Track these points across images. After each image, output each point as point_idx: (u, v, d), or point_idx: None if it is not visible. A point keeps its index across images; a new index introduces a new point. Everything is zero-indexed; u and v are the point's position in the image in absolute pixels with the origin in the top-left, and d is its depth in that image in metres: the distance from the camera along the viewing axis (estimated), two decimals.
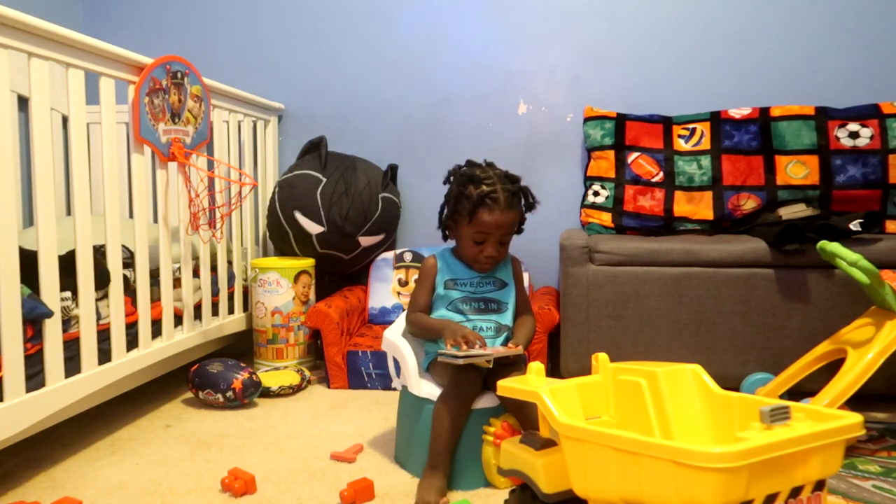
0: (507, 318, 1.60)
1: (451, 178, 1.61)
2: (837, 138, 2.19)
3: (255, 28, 2.73)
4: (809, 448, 0.85)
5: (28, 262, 1.39)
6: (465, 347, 1.41)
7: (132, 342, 1.76)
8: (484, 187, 1.52)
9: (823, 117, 2.22)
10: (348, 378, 2.19)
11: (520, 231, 1.63)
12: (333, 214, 2.35)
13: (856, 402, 1.51)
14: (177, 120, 1.87)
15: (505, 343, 1.58)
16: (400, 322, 1.73)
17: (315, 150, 2.52)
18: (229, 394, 1.94)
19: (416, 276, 2.50)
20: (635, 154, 2.35)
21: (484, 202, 1.50)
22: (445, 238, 1.65)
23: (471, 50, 2.60)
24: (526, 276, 2.39)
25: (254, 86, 2.56)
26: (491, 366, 1.47)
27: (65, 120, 2.34)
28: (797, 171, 2.21)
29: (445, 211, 1.61)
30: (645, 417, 1.04)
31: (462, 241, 1.58)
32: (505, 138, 2.59)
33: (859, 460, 1.55)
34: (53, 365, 1.46)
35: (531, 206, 1.61)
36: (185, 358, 2.07)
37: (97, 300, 1.62)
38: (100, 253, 1.65)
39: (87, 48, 1.54)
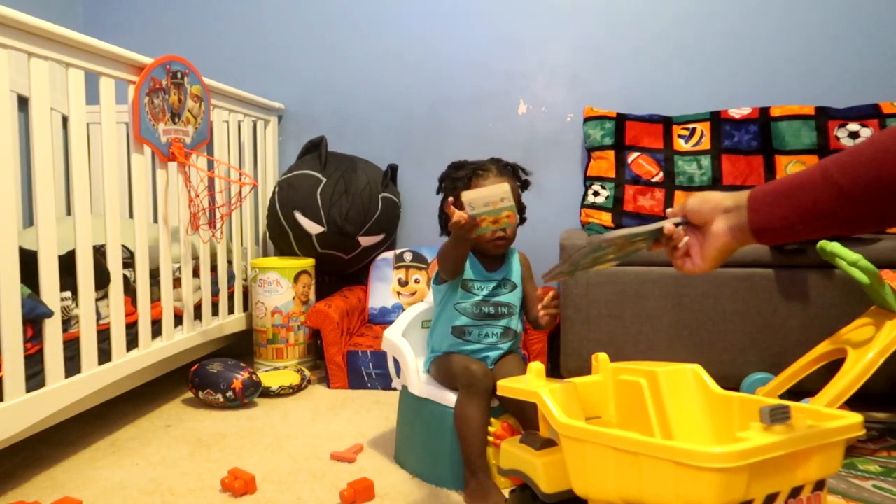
0: (514, 322, 1.58)
1: (442, 182, 1.62)
2: (837, 138, 2.19)
3: (255, 28, 2.73)
4: (809, 448, 0.85)
5: (28, 262, 1.39)
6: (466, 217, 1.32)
7: (132, 342, 1.76)
8: (472, 166, 1.56)
9: (823, 117, 2.22)
10: (348, 378, 2.19)
11: (523, 220, 1.61)
12: (333, 214, 2.35)
13: (856, 402, 1.51)
14: (177, 120, 1.87)
15: (511, 348, 1.58)
16: (400, 322, 1.72)
17: (315, 149, 2.51)
18: (229, 394, 1.94)
19: (416, 277, 2.50)
20: (635, 154, 2.35)
21: (476, 173, 1.54)
22: (449, 234, 1.64)
23: (471, 50, 2.60)
24: None
25: (254, 86, 2.56)
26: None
27: (65, 120, 2.34)
28: (797, 170, 2.20)
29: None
30: (645, 417, 1.04)
31: None
32: (505, 138, 2.59)
33: (859, 460, 1.55)
34: (53, 365, 1.46)
35: (526, 183, 1.63)
36: (185, 358, 2.07)
37: (97, 300, 1.62)
38: (100, 253, 1.65)
39: (87, 48, 1.54)
